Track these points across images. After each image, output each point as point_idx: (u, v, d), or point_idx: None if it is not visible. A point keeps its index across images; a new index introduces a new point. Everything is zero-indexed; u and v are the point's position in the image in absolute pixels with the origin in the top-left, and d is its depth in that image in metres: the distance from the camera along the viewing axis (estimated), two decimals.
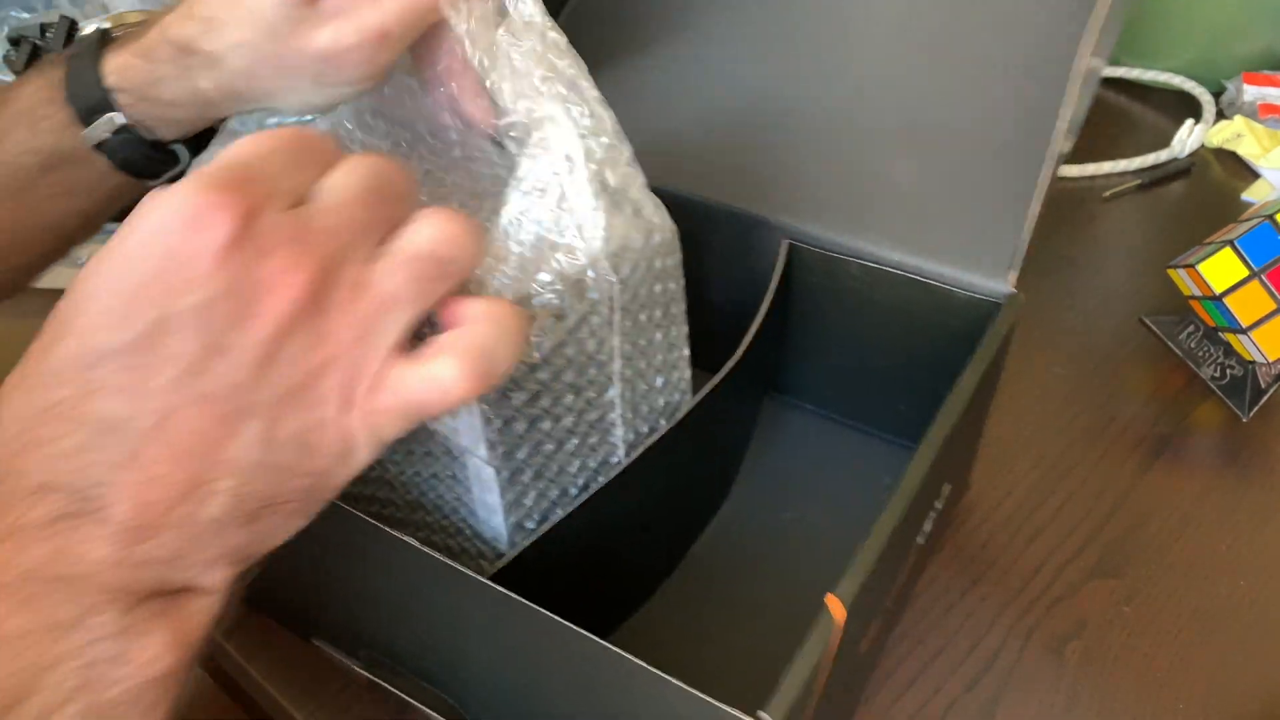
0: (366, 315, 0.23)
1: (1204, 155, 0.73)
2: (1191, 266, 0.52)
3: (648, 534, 0.40)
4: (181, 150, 0.38)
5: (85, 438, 0.22)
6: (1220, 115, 0.76)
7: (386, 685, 0.38)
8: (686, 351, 0.40)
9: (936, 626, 0.42)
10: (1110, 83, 0.82)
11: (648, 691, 0.27)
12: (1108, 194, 0.69)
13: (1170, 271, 0.54)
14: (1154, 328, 0.57)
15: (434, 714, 0.37)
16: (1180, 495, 0.48)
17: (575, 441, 0.35)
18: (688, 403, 0.39)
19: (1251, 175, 0.71)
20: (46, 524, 0.21)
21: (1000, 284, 0.39)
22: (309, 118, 0.37)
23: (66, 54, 0.37)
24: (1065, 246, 0.64)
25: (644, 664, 0.26)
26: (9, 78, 0.49)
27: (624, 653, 0.26)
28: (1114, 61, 0.82)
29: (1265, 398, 0.52)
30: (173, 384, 0.22)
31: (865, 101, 0.44)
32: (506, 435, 0.32)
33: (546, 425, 0.33)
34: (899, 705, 0.39)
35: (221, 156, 0.23)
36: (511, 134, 0.32)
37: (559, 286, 0.30)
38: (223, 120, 0.37)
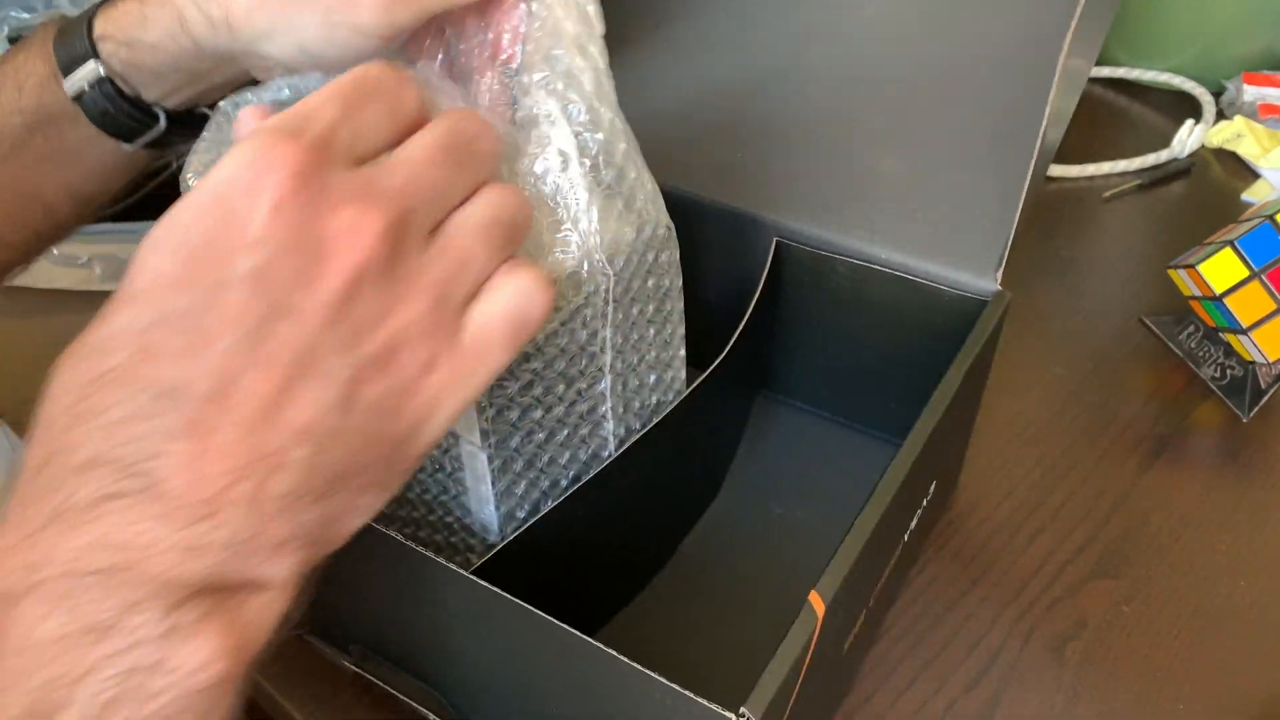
0: (442, 277, 0.22)
1: (1204, 155, 0.73)
2: (1191, 267, 0.51)
3: (636, 529, 0.41)
4: (160, 113, 0.38)
5: (137, 406, 0.20)
6: (1220, 115, 0.76)
7: (376, 680, 0.38)
8: (682, 353, 0.40)
9: (936, 626, 0.42)
10: (1110, 83, 0.82)
11: (632, 687, 0.26)
12: (1108, 194, 0.69)
13: (1170, 272, 0.54)
14: (1154, 328, 0.56)
15: (431, 714, 0.37)
16: (1180, 495, 0.47)
17: (566, 432, 0.35)
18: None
19: (1251, 175, 0.71)
20: (92, 505, 0.19)
21: (988, 282, 0.39)
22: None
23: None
24: (1065, 247, 0.64)
25: (627, 660, 0.26)
26: None
27: (608, 649, 0.26)
28: (1114, 61, 0.82)
29: (1265, 398, 0.51)
30: (234, 347, 0.20)
31: (854, 100, 0.44)
32: (499, 423, 0.32)
33: (538, 414, 0.33)
34: (899, 705, 0.39)
35: (295, 105, 0.22)
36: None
37: (555, 276, 0.30)
38: (213, 104, 0.37)
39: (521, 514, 0.35)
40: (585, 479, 0.35)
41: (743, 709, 0.25)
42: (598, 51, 0.31)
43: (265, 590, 0.21)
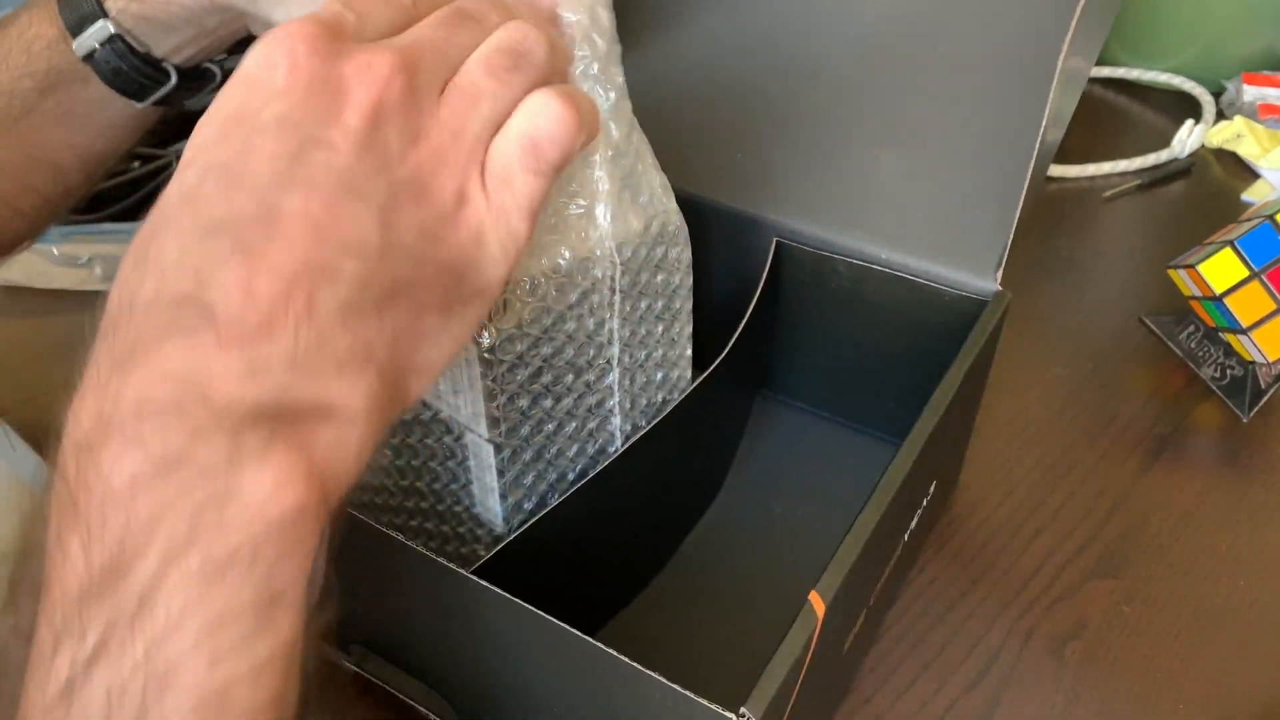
0: (453, 113, 0.23)
1: (1204, 155, 0.73)
2: (1191, 267, 0.51)
3: (637, 528, 0.41)
4: (170, 68, 0.38)
5: (189, 243, 0.20)
6: (1220, 115, 0.76)
7: (376, 680, 0.38)
8: (689, 353, 0.40)
9: (936, 626, 0.42)
10: (1110, 83, 0.82)
11: (632, 687, 0.26)
12: (1108, 194, 0.69)
13: (1170, 272, 0.54)
14: (1154, 328, 0.56)
15: (431, 714, 0.37)
16: (1180, 495, 0.47)
17: (574, 424, 0.36)
18: None
19: (1251, 175, 0.71)
20: (155, 343, 0.19)
21: (988, 282, 0.39)
22: None
23: None
24: (1065, 247, 0.64)
25: (628, 660, 0.26)
26: None
27: (608, 649, 0.26)
28: (1114, 61, 0.82)
29: (1265, 398, 0.51)
30: (273, 178, 0.21)
31: (854, 100, 0.44)
32: (508, 411, 0.32)
33: (547, 404, 0.34)
34: (899, 705, 0.39)
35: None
36: None
37: (566, 257, 0.31)
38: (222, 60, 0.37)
39: (528, 505, 0.35)
40: (589, 475, 0.36)
41: (743, 709, 0.25)
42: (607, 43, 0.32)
43: (336, 416, 0.21)
